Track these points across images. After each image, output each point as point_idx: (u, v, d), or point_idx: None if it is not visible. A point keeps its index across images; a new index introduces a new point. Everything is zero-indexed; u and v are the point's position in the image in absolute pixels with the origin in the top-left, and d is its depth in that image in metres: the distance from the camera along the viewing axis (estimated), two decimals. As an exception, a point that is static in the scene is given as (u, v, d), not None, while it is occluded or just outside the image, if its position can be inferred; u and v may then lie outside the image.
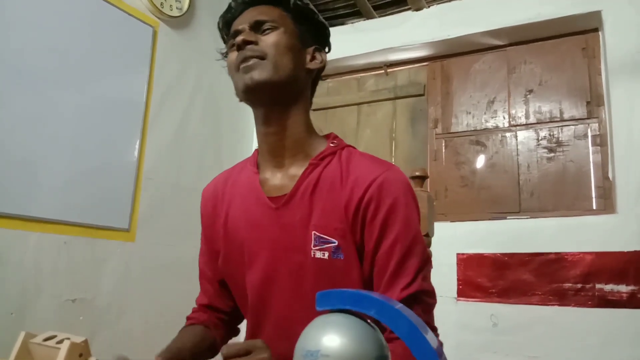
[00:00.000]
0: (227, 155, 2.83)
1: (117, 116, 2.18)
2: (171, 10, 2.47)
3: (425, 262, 0.87)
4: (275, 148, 0.96)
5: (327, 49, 1.04)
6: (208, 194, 1.08)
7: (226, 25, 1.01)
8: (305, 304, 0.87)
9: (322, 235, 0.87)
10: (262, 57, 0.90)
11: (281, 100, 0.94)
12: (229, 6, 1.00)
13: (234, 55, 0.93)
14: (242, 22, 0.94)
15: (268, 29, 0.93)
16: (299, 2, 0.97)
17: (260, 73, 0.89)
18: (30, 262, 1.81)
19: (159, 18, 2.42)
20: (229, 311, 1.05)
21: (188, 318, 1.04)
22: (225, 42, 1.03)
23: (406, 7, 2.88)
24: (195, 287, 1.10)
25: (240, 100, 0.96)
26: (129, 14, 2.26)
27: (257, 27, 0.93)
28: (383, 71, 3.04)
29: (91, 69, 2.07)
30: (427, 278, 0.87)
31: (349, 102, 3.12)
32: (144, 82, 2.32)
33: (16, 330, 0.58)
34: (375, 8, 2.96)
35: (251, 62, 0.89)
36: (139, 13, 2.32)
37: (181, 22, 2.57)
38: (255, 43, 0.91)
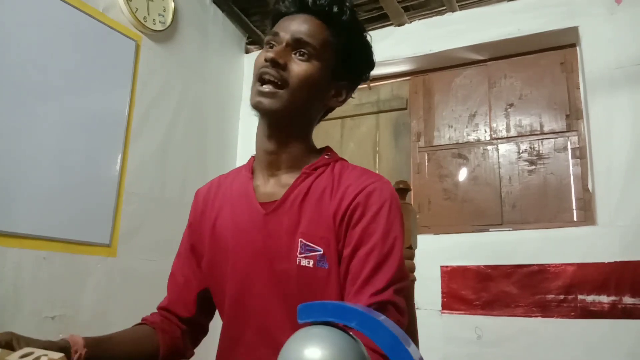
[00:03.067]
0: (211, 169, 2.81)
1: (99, 130, 2.16)
2: (154, 24, 2.46)
3: (400, 277, 0.85)
4: (271, 162, 0.96)
5: (357, 86, 1.02)
6: (201, 196, 1.07)
7: (275, 15, 0.98)
8: (287, 311, 0.86)
9: (308, 243, 0.87)
10: (281, 86, 0.88)
11: (286, 126, 0.94)
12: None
13: (261, 58, 0.91)
14: (286, 30, 0.91)
15: (304, 54, 0.90)
16: (357, 33, 0.96)
17: (272, 103, 0.88)
18: (9, 278, 1.78)
19: (142, 32, 2.41)
20: (188, 318, 1.01)
21: (142, 319, 1.02)
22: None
23: (388, 23, 2.92)
24: (177, 303, 1.08)
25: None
26: (112, 28, 2.25)
27: (296, 45, 0.90)
28: (366, 85, 3.07)
29: (73, 82, 2.06)
30: (399, 293, 0.84)
31: (333, 115, 3.11)
32: (126, 96, 2.30)
33: (-7, 348, 0.57)
34: (358, 23, 2.98)
35: (267, 88, 0.88)
36: (122, 27, 2.31)
37: (164, 36, 2.57)
38: (283, 68, 0.88)
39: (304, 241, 0.87)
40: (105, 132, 2.19)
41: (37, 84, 1.92)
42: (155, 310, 1.05)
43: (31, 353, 0.51)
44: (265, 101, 0.88)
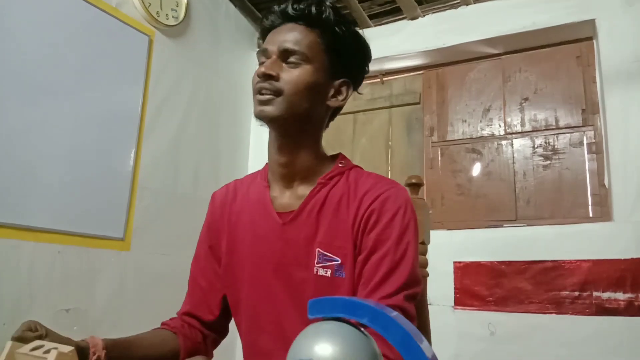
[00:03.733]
0: (223, 165, 2.82)
1: (113, 125, 2.17)
2: (167, 19, 2.47)
3: (413, 282, 0.85)
4: (285, 173, 0.97)
5: (359, 81, 1.02)
6: (219, 199, 1.07)
7: (263, 32, 1.00)
8: (304, 318, 0.86)
9: (325, 253, 0.88)
10: (277, 94, 0.90)
11: (292, 134, 0.94)
12: (272, 11, 0.97)
13: (256, 75, 0.93)
14: (273, 43, 0.93)
15: (294, 62, 0.91)
16: (342, 28, 0.95)
17: (272, 109, 0.89)
18: (25, 272, 1.80)
19: (154, 27, 2.41)
20: (211, 321, 1.02)
21: (162, 324, 1.02)
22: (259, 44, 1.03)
23: (402, 16, 2.90)
24: (190, 297, 1.08)
25: None
26: (125, 23, 2.26)
27: (285, 55, 0.92)
28: (379, 80, 3.05)
29: (87, 77, 2.07)
30: (410, 299, 0.84)
31: (345, 110, 3.10)
32: (139, 90, 2.31)
33: (8, 341, 0.57)
34: (371, 17, 2.97)
35: (265, 96, 0.90)
36: (135, 22, 2.31)
37: (177, 31, 2.57)
38: (276, 79, 0.90)
39: (321, 251, 0.88)
40: (118, 127, 2.20)
41: (51, 79, 1.93)
42: (172, 312, 1.06)
43: (41, 346, 0.52)
44: (266, 108, 0.90)
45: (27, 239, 1.81)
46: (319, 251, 0.88)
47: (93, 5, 2.11)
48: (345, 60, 0.97)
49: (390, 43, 2.87)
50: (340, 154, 1.03)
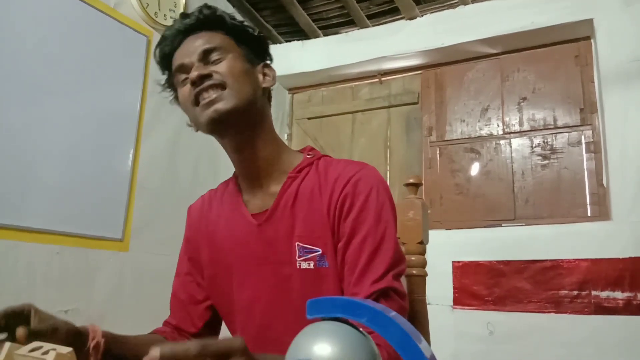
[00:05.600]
0: (222, 164, 2.80)
1: (111, 125, 2.17)
2: (165, 19, 2.46)
3: (397, 262, 0.85)
4: (250, 171, 0.96)
5: (270, 61, 1.01)
6: (195, 211, 1.07)
7: (165, 57, 0.97)
8: (292, 315, 0.87)
9: (305, 245, 0.87)
10: (222, 87, 0.88)
11: (247, 125, 0.92)
12: (164, 37, 0.96)
13: (186, 90, 0.91)
14: (187, 55, 0.91)
15: (217, 57, 0.90)
16: (235, 22, 0.96)
17: (224, 104, 0.87)
18: (23, 273, 1.79)
19: (153, 27, 2.41)
20: (196, 333, 1.01)
21: (153, 331, 1.01)
22: (164, 73, 1.00)
23: (400, 16, 2.90)
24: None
25: (204, 132, 0.95)
26: (123, 24, 2.26)
27: (205, 57, 0.90)
28: (377, 80, 3.05)
29: (85, 78, 2.07)
30: (398, 277, 0.84)
31: (344, 110, 3.13)
32: (138, 91, 2.31)
33: (6, 342, 0.57)
34: (369, 17, 2.97)
35: (212, 95, 0.87)
36: (133, 22, 2.31)
37: (175, 31, 2.56)
38: (210, 76, 0.88)
39: (301, 244, 0.87)
40: (117, 127, 2.20)
41: (49, 79, 1.93)
42: (164, 317, 1.06)
43: (40, 347, 0.52)
44: (218, 106, 0.87)
45: (25, 240, 1.81)
46: (298, 245, 0.87)
47: (91, 5, 2.10)
48: (254, 47, 0.98)
49: (389, 43, 2.87)
50: (307, 146, 1.02)
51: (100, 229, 2.09)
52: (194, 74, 0.88)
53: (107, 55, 2.17)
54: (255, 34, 0.99)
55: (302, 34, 3.11)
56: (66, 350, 0.51)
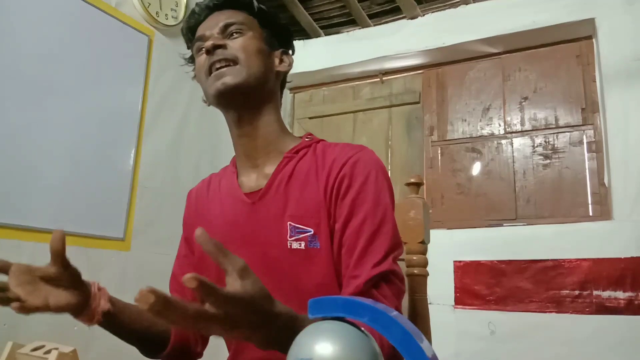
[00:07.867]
0: (224, 163, 2.80)
1: (113, 124, 2.17)
2: (167, 19, 2.46)
3: (396, 245, 0.85)
4: (249, 149, 0.96)
5: (291, 52, 1.03)
6: (193, 195, 1.10)
7: (190, 30, 1.00)
8: (281, 295, 0.86)
9: (297, 225, 0.86)
10: (233, 62, 0.90)
11: (253, 102, 0.94)
12: (193, 11, 0.99)
13: (202, 59, 0.93)
14: (209, 27, 0.94)
15: (236, 32, 0.93)
16: (262, 6, 0.98)
17: (233, 78, 0.89)
18: (24, 272, 1.79)
19: (154, 27, 2.41)
20: None
21: None
22: (189, 47, 1.03)
23: (401, 16, 2.90)
24: (190, 297, 1.09)
25: (210, 105, 0.97)
26: (124, 23, 2.26)
27: (225, 30, 0.93)
28: (378, 79, 3.05)
29: (86, 77, 2.07)
30: (396, 261, 0.84)
31: (345, 110, 3.13)
32: (139, 90, 2.31)
33: (8, 341, 0.57)
34: (371, 16, 2.97)
35: (223, 67, 0.90)
36: (134, 22, 2.31)
37: (177, 31, 2.56)
38: (225, 47, 0.90)
39: (293, 224, 0.87)
40: (118, 126, 2.20)
41: (50, 79, 1.93)
42: None
43: (42, 346, 0.52)
44: (227, 79, 0.89)
45: (27, 240, 1.81)
46: (290, 224, 0.86)
47: (92, 5, 2.10)
48: (277, 33, 1.00)
49: (390, 42, 2.87)
50: (307, 132, 1.02)
51: (102, 228, 2.09)
52: (209, 42, 0.90)
53: (108, 54, 2.17)
54: (282, 22, 1.01)
55: (303, 34, 3.11)
56: (68, 349, 0.51)
